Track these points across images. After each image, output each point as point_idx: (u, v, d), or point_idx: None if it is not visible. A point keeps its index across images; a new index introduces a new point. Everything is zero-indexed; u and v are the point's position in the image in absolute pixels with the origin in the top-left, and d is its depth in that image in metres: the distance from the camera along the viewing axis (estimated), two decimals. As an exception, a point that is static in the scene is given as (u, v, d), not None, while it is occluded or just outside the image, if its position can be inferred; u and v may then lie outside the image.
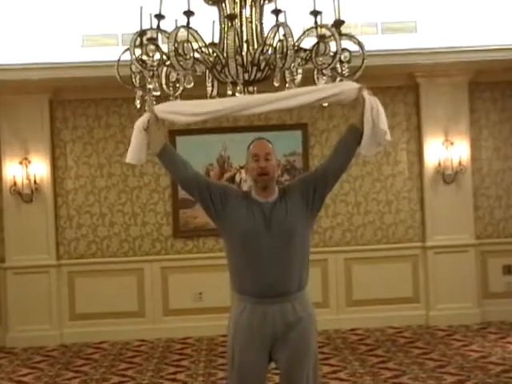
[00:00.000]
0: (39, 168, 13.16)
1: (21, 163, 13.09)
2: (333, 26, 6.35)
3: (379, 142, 6.19)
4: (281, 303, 5.77)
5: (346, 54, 6.57)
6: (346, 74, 6.56)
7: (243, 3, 6.55)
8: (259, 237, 5.77)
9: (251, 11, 6.61)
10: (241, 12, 6.55)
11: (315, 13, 6.22)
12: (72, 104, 13.41)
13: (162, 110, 6.06)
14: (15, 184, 13.08)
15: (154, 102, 6.14)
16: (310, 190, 5.89)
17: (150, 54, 6.47)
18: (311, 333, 5.90)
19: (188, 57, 6.18)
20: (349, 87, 6.04)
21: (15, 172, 13.10)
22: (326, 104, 6.63)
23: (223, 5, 6.52)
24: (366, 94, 6.02)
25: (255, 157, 5.91)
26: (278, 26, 6.26)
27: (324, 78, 6.51)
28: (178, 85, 6.64)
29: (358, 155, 6.26)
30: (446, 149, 13.25)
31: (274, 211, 5.83)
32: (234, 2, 6.50)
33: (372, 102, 6.02)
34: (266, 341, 5.81)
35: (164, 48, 6.35)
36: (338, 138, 6.25)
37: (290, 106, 5.99)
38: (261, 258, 5.76)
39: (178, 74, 6.42)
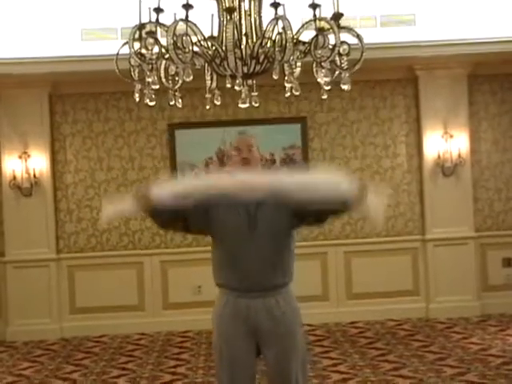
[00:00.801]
0: (39, 162, 13.16)
1: (20, 157, 13.10)
2: (332, 18, 6.33)
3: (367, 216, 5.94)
4: (264, 298, 5.82)
5: (345, 46, 6.54)
6: (345, 67, 6.54)
7: (242, -4, 6.55)
8: (244, 235, 5.81)
9: (250, 4, 6.60)
10: (239, 5, 6.54)
11: (314, 6, 6.21)
12: (71, 98, 13.41)
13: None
14: (15, 178, 13.09)
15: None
16: (286, 208, 5.78)
17: (149, 48, 6.46)
18: (296, 327, 5.95)
19: (187, 50, 6.16)
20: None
21: (14, 166, 13.11)
22: (325, 96, 6.63)
23: (222, -2, 6.52)
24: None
25: (237, 150, 5.97)
26: (276, 19, 6.25)
27: (323, 70, 6.50)
28: (177, 78, 6.63)
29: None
30: (446, 141, 13.25)
31: (258, 210, 5.86)
32: (233, -5, 6.50)
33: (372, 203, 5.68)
34: (251, 332, 5.84)
35: (163, 41, 6.34)
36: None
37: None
38: (245, 255, 5.80)
39: (177, 68, 6.41)
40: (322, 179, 5.66)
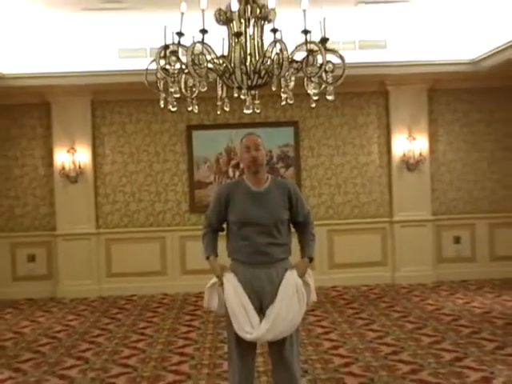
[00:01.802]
0: (83, 155, 13.17)
1: (68, 152, 13.11)
2: (319, 42, 6.30)
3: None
4: (267, 268, 5.82)
5: (330, 65, 6.51)
6: (330, 82, 6.51)
7: (247, 23, 6.51)
8: (252, 218, 5.83)
9: (254, 30, 6.56)
10: (245, 30, 6.50)
11: (305, 31, 6.17)
12: (109, 104, 13.40)
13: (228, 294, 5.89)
14: (64, 168, 13.10)
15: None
16: (287, 205, 5.98)
17: (172, 64, 6.44)
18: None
19: (202, 66, 6.14)
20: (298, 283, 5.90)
21: (64, 159, 13.12)
22: (313, 104, 6.60)
23: (231, 25, 6.49)
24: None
25: (247, 148, 5.95)
26: (275, 42, 6.22)
27: (312, 84, 6.47)
28: (194, 89, 6.60)
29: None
30: (410, 142, 13.25)
31: (264, 199, 5.91)
32: (240, 22, 6.46)
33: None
34: (256, 296, 5.81)
35: (183, 59, 6.31)
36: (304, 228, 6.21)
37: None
38: (253, 234, 5.82)
39: (194, 80, 6.39)
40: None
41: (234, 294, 5.80)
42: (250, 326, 5.71)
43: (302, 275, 5.89)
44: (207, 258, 6.06)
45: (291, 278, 5.85)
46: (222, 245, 6.03)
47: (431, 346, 8.47)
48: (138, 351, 8.79)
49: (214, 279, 6.00)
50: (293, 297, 5.81)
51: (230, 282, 5.84)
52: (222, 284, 5.86)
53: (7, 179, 13.43)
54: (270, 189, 5.95)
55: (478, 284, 12.89)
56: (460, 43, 12.36)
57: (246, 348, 5.89)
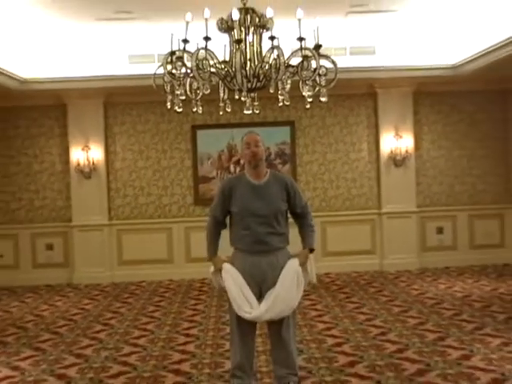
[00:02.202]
0: (96, 153, 13.18)
1: (83, 149, 13.11)
2: (313, 48, 6.31)
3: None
4: (268, 256, 5.86)
5: (323, 69, 6.50)
6: (323, 84, 6.51)
7: (247, 31, 6.52)
8: (252, 209, 5.87)
9: (253, 37, 6.57)
10: (245, 38, 6.51)
11: (300, 39, 6.18)
12: (120, 106, 13.40)
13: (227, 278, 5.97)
14: (79, 165, 13.11)
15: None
16: (285, 197, 6.00)
17: (178, 69, 6.44)
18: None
19: (206, 70, 6.14)
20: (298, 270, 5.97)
21: (79, 156, 13.12)
22: (308, 105, 6.61)
23: (232, 32, 6.48)
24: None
25: (247, 145, 6.00)
26: (273, 48, 6.22)
27: (307, 86, 6.47)
28: (198, 91, 6.59)
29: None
30: (396, 140, 13.25)
31: (263, 191, 5.95)
32: (240, 30, 6.46)
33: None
34: (256, 282, 5.85)
35: (188, 64, 6.31)
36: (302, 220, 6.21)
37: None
38: (254, 224, 5.86)
39: (198, 83, 6.38)
40: None
41: (233, 281, 5.85)
42: (249, 307, 5.76)
43: (302, 264, 5.94)
44: (209, 259, 6.11)
45: (292, 266, 5.90)
46: (225, 234, 6.06)
47: (416, 327, 8.48)
48: (148, 332, 8.81)
49: (213, 268, 6.09)
50: (292, 282, 5.85)
51: (229, 271, 5.90)
52: (220, 273, 5.94)
53: (27, 175, 13.44)
54: (269, 182, 5.98)
55: (458, 270, 12.90)
56: (442, 49, 12.37)
57: (246, 329, 5.94)
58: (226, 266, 5.93)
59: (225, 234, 6.11)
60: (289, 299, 5.82)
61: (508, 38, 10.12)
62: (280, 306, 5.78)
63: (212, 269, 6.09)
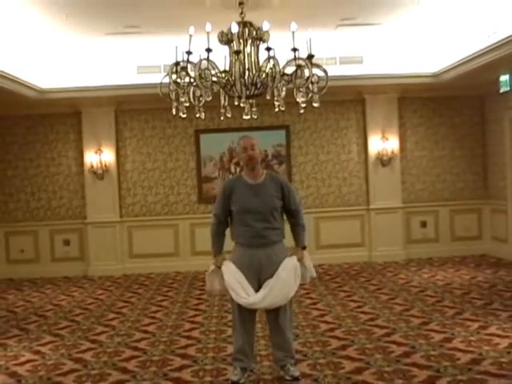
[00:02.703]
0: (108, 156, 13.16)
1: (96, 152, 13.10)
2: (306, 58, 6.32)
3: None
4: (265, 249, 5.90)
5: (316, 77, 6.54)
6: (316, 91, 6.51)
7: (245, 43, 6.54)
8: (250, 207, 5.90)
9: (251, 48, 6.59)
10: (244, 49, 6.52)
11: (294, 49, 6.20)
12: (130, 112, 13.39)
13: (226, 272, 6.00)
14: (92, 167, 13.10)
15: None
16: (280, 195, 6.03)
17: (182, 78, 6.45)
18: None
19: (208, 79, 6.15)
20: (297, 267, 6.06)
21: (92, 159, 13.11)
22: (301, 111, 6.62)
23: (232, 44, 6.49)
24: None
25: (244, 149, 5.99)
26: (269, 58, 6.24)
27: (300, 93, 6.48)
28: (201, 98, 6.61)
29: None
30: (383, 142, 13.24)
31: (260, 190, 5.97)
32: (239, 42, 6.48)
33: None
34: (256, 272, 5.89)
35: (192, 74, 6.32)
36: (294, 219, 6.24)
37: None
38: (252, 220, 5.89)
39: (201, 91, 6.39)
40: None
41: (231, 274, 5.90)
42: (246, 295, 5.79)
43: (300, 260, 6.02)
44: (214, 256, 6.11)
45: (291, 262, 5.96)
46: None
47: (402, 313, 8.48)
48: (156, 320, 8.79)
49: (213, 267, 6.09)
50: (290, 275, 5.90)
51: (228, 267, 5.94)
52: (217, 272, 6.00)
53: (46, 177, 13.44)
54: (265, 182, 6.00)
55: (441, 261, 12.90)
56: (424, 59, 12.35)
57: (246, 316, 5.98)
58: (227, 263, 5.98)
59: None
60: (285, 290, 5.86)
61: (484, 49, 10.13)
62: (277, 296, 5.82)
63: (210, 269, 6.11)
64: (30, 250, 13.42)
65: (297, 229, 6.16)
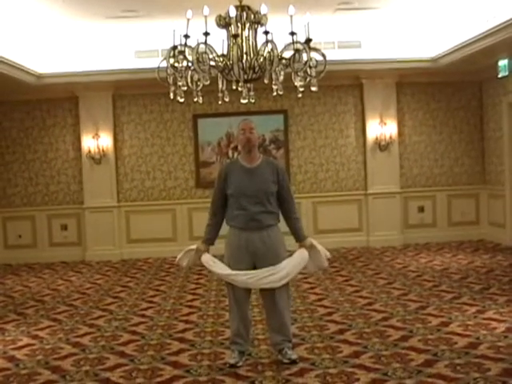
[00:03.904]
0: (105, 141, 13.15)
1: (93, 137, 13.10)
2: (304, 42, 6.30)
3: (318, 266, 6.38)
4: (260, 232, 5.93)
5: (314, 61, 6.51)
6: (314, 75, 6.50)
7: (243, 27, 6.50)
8: (246, 190, 5.93)
9: (249, 32, 6.55)
10: (242, 33, 6.49)
11: (292, 33, 6.17)
12: (127, 97, 13.38)
13: (206, 260, 6.09)
14: (90, 151, 13.10)
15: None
16: (276, 179, 6.01)
17: (180, 62, 6.43)
18: (281, 250, 6.05)
19: (206, 63, 6.13)
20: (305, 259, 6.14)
21: (90, 144, 13.11)
22: (299, 95, 6.61)
23: (229, 28, 6.46)
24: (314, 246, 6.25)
25: (242, 131, 6.04)
26: (267, 42, 6.21)
27: (298, 77, 6.46)
28: (198, 83, 6.59)
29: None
30: (381, 127, 13.25)
31: (255, 174, 6.00)
32: (237, 26, 6.44)
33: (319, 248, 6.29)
34: (251, 256, 5.94)
35: (189, 58, 6.30)
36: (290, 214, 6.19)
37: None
38: (247, 204, 5.93)
39: (198, 75, 6.37)
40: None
41: (216, 265, 6.02)
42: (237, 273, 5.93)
43: (310, 247, 6.16)
44: (202, 241, 6.15)
45: (298, 255, 6.08)
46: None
47: (399, 298, 8.49)
48: (154, 304, 8.81)
49: (193, 246, 6.20)
50: (296, 266, 6.02)
51: (207, 257, 6.08)
52: (196, 253, 6.10)
53: (43, 162, 13.43)
54: (261, 166, 6.02)
55: (438, 246, 12.93)
56: (422, 43, 12.36)
57: (241, 298, 6.03)
58: (205, 257, 6.08)
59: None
60: (282, 276, 5.89)
61: (482, 33, 10.13)
62: (271, 280, 5.87)
63: (191, 247, 6.20)
64: (28, 235, 13.44)
65: (293, 222, 6.15)
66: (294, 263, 5.99)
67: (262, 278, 5.85)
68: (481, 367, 5.56)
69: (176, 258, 6.29)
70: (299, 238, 6.16)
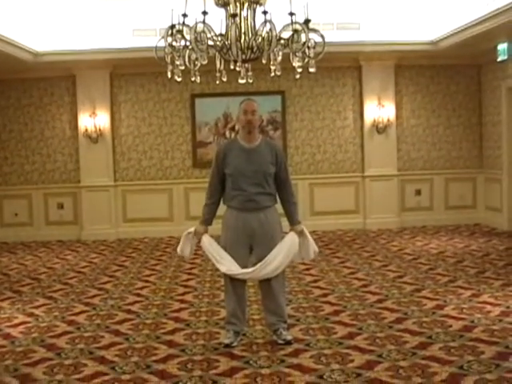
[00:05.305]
0: (102, 119, 13.13)
1: (90, 116, 13.06)
2: (303, 23, 6.28)
3: (303, 257, 6.25)
4: (257, 213, 5.91)
5: (312, 42, 6.50)
6: (312, 56, 6.49)
7: (242, 6, 6.49)
8: (244, 171, 5.90)
9: (247, 12, 6.54)
10: (240, 12, 6.48)
11: (291, 14, 6.17)
12: (125, 76, 13.34)
13: (205, 245, 6.05)
14: (87, 130, 13.07)
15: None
16: (274, 161, 5.96)
17: (178, 41, 6.42)
18: (277, 232, 6.04)
19: (203, 43, 6.12)
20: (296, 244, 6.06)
21: (87, 122, 13.08)
22: (297, 76, 6.60)
23: (228, 7, 6.45)
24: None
25: (245, 112, 5.94)
26: (265, 22, 6.20)
27: (297, 58, 6.46)
28: (196, 62, 6.58)
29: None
30: (379, 110, 13.23)
31: (254, 154, 5.95)
32: (236, 6, 6.43)
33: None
34: (247, 237, 5.94)
35: (187, 37, 6.29)
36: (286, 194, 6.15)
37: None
38: (245, 184, 5.90)
39: (196, 55, 6.36)
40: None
41: (212, 249, 6.00)
42: (233, 266, 5.91)
43: (300, 233, 6.05)
44: (200, 222, 6.13)
45: (289, 239, 6.02)
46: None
47: (395, 280, 8.51)
48: (150, 283, 8.83)
49: (192, 229, 6.13)
50: (287, 254, 5.96)
51: (207, 239, 6.03)
52: (194, 236, 6.06)
53: (40, 140, 13.41)
54: (260, 146, 5.98)
55: (434, 229, 12.96)
56: (422, 26, 12.31)
57: (237, 280, 6.01)
58: (204, 238, 6.04)
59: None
60: (276, 267, 5.89)
61: (482, 17, 10.11)
62: (266, 273, 5.89)
63: (189, 230, 6.15)
64: (24, 214, 13.44)
65: (289, 206, 6.13)
66: (285, 252, 5.93)
67: (257, 273, 5.87)
68: (475, 350, 5.59)
69: (178, 248, 6.20)
70: (292, 222, 6.12)
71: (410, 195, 13.71)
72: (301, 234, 6.07)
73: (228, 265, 5.91)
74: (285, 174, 6.08)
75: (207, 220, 6.13)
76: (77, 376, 5.30)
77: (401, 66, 13.44)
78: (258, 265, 5.86)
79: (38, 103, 13.38)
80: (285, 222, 6.14)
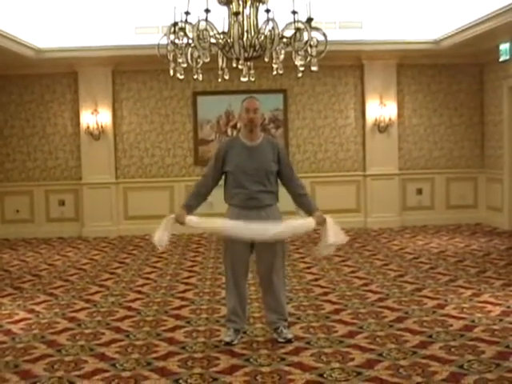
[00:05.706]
0: (104, 117, 13.12)
1: (92, 113, 13.06)
2: (306, 21, 6.29)
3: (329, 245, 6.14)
4: (258, 211, 5.89)
5: (315, 41, 6.50)
6: (314, 55, 6.49)
7: (244, 4, 6.50)
8: (245, 168, 5.88)
9: (250, 10, 6.55)
10: (243, 10, 6.48)
11: (294, 12, 6.18)
12: (127, 73, 13.34)
13: (195, 221, 6.04)
14: (88, 127, 13.07)
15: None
16: (276, 159, 5.95)
17: (180, 39, 6.42)
18: None
19: (206, 41, 6.12)
20: (308, 226, 6.03)
21: (88, 119, 13.08)
22: (300, 74, 6.60)
23: (231, 5, 6.45)
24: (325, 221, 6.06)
25: (247, 110, 5.92)
26: (268, 20, 6.20)
27: (299, 57, 6.46)
28: (198, 60, 6.59)
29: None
30: (381, 109, 13.23)
31: (256, 152, 5.93)
32: (238, 4, 6.44)
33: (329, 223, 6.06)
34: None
35: (190, 35, 6.29)
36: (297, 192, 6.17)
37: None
38: (246, 182, 5.88)
39: (199, 52, 6.36)
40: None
41: (203, 221, 6.12)
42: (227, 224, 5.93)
43: (322, 222, 5.99)
44: (182, 206, 6.13)
45: (303, 221, 6.04)
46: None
47: (396, 279, 8.52)
48: (150, 281, 8.83)
49: (172, 215, 6.12)
50: (295, 227, 6.09)
51: (193, 217, 6.04)
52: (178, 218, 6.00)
53: (42, 137, 13.41)
54: (262, 144, 5.97)
55: (435, 228, 12.96)
56: (424, 25, 12.31)
57: (239, 276, 6.03)
58: (191, 217, 6.02)
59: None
60: (280, 231, 5.89)
61: (483, 17, 10.13)
62: (269, 233, 5.80)
63: (171, 216, 6.11)
64: (26, 210, 13.45)
65: (300, 198, 6.10)
66: (293, 225, 5.97)
67: (254, 230, 5.79)
68: (475, 350, 5.59)
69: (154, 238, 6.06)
70: (311, 211, 6.04)
71: (412, 194, 13.71)
72: (323, 223, 5.99)
73: (227, 224, 5.91)
74: (289, 170, 6.07)
75: (189, 206, 6.06)
76: (77, 373, 5.32)
77: (403, 65, 13.44)
78: (263, 224, 5.82)
79: (39, 100, 13.38)
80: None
